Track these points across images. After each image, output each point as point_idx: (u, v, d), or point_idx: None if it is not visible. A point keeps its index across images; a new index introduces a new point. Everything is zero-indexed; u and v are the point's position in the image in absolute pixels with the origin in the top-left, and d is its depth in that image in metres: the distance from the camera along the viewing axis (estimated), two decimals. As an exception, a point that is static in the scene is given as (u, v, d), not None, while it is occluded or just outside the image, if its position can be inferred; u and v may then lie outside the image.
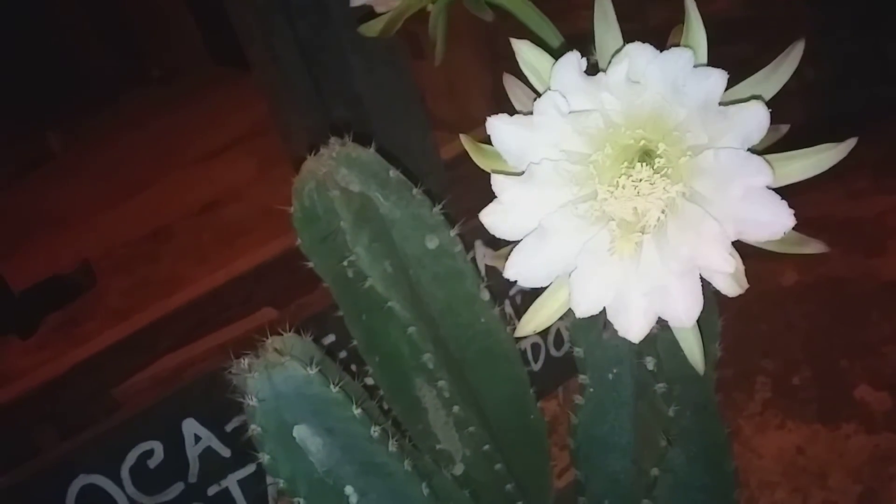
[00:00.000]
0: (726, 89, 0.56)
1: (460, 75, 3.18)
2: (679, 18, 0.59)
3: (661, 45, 0.59)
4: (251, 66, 1.99)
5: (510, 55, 0.66)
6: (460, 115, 3.28)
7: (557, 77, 0.55)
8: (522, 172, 0.58)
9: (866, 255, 2.17)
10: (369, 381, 0.98)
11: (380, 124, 1.87)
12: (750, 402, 1.86)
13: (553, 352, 1.67)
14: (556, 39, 0.83)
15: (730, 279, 0.56)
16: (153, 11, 5.72)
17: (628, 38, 0.61)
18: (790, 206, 0.54)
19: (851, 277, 2.09)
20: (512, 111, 0.62)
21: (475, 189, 0.65)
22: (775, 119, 0.60)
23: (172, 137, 4.80)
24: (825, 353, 1.92)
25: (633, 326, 0.58)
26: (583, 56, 0.64)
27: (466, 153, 0.66)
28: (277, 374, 0.75)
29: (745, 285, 0.56)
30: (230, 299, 2.75)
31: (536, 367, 1.67)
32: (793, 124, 0.63)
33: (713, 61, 0.58)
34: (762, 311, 1.90)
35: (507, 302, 1.42)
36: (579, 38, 0.67)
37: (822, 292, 2.05)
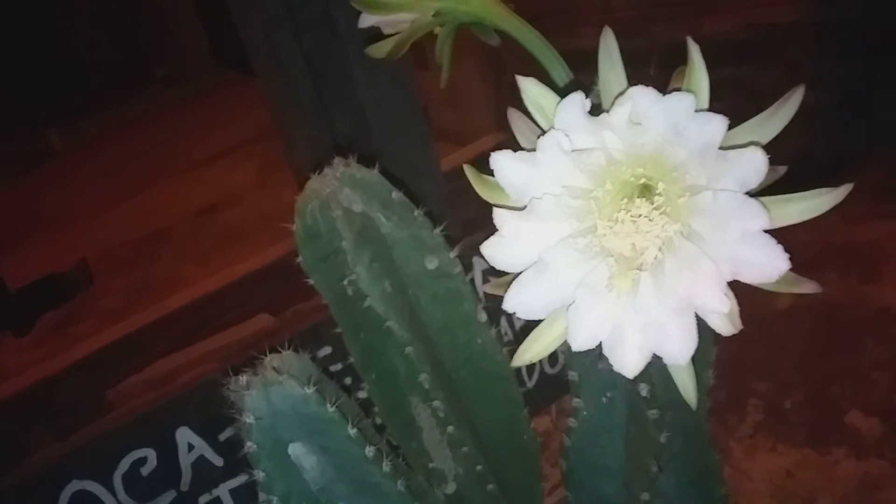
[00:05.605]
0: (728, 129, 0.57)
1: (464, 86, 3.19)
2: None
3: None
4: (256, 76, 2.00)
5: (514, 66, 0.67)
6: (463, 125, 3.29)
7: (561, 116, 0.56)
8: (524, 207, 0.59)
9: (861, 281, 2.18)
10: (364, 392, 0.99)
11: (382, 136, 1.88)
12: (741, 424, 1.86)
13: (548, 369, 1.67)
14: (559, 66, 0.84)
15: (724, 319, 0.57)
16: (159, 11, 5.73)
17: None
18: (786, 248, 0.55)
19: (846, 303, 2.10)
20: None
21: (476, 200, 0.66)
22: (776, 145, 0.61)
23: (175, 139, 4.80)
24: (818, 378, 1.93)
25: (628, 362, 0.58)
26: (589, 81, 0.65)
27: (468, 163, 0.66)
28: (275, 392, 0.75)
29: (740, 325, 0.57)
30: (227, 304, 2.75)
31: (531, 383, 1.68)
32: (793, 148, 0.63)
33: (717, 82, 0.58)
34: (756, 333, 1.89)
35: (504, 322, 1.43)
36: (584, 55, 0.68)
37: (817, 316, 2.05)
